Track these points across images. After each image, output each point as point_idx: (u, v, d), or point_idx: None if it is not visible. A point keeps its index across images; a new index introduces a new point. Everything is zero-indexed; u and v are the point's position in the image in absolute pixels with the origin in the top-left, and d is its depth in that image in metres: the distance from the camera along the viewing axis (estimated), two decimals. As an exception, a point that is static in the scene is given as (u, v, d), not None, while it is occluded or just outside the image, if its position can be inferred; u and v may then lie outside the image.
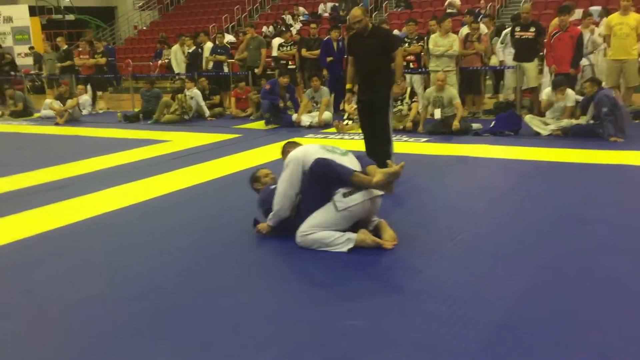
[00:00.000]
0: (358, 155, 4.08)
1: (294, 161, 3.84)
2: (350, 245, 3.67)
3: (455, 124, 7.74)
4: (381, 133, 5.58)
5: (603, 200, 4.64)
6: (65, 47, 14.13)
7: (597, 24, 9.82)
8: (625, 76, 8.40)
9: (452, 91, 8.25)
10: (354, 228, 3.81)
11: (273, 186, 4.16)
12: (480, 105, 9.77)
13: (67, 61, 13.62)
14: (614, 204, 4.52)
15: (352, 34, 5.74)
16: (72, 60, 13.67)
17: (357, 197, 3.70)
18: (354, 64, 5.72)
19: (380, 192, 3.81)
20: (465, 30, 10.06)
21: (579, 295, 2.99)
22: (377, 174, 3.68)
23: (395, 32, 12.49)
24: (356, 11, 5.48)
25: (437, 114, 8.11)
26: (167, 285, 3.35)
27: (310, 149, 3.92)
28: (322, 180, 3.72)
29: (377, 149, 5.46)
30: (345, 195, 3.69)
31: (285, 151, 4.26)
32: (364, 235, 3.72)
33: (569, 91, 7.63)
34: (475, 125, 7.94)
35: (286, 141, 4.48)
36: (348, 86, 5.99)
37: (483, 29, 9.75)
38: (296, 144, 4.26)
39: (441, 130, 7.89)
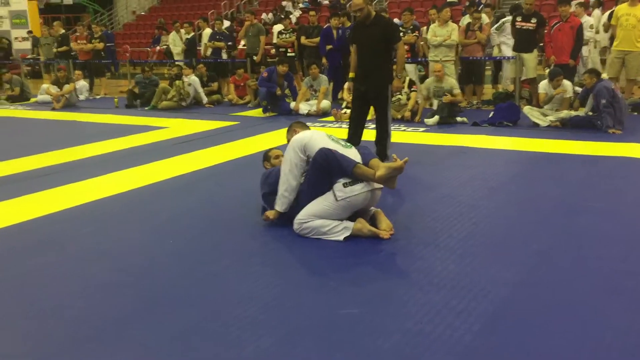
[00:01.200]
0: (359, 147, 4.07)
1: (295, 143, 3.87)
2: (347, 234, 3.68)
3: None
4: (381, 126, 5.57)
5: (600, 192, 4.65)
6: (62, 31, 14.04)
7: (590, 14, 9.79)
8: (627, 68, 8.38)
9: (452, 81, 8.28)
10: (351, 217, 3.82)
11: (275, 170, 4.16)
12: (480, 96, 9.76)
13: (63, 46, 13.54)
14: (611, 196, 4.53)
15: (356, 22, 5.65)
16: (68, 46, 13.60)
17: (357, 188, 3.69)
18: (356, 53, 5.63)
19: (380, 185, 3.81)
20: (466, 19, 10.02)
21: (572, 286, 3.01)
22: (381, 168, 3.66)
23: (395, 20, 12.43)
24: None
25: (435, 105, 8.13)
26: (163, 272, 3.36)
27: (315, 134, 3.92)
28: (324, 170, 3.71)
29: (359, 139, 5.50)
30: (345, 185, 3.68)
31: (291, 129, 4.31)
32: (361, 225, 3.72)
33: (566, 82, 7.62)
34: (459, 119, 7.89)
35: (295, 121, 4.50)
36: (351, 75, 5.77)
37: (484, 18, 9.71)
38: (304, 125, 4.31)
39: (447, 121, 7.83)
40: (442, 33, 9.10)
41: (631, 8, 8.22)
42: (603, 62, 9.57)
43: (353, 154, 3.85)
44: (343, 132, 7.44)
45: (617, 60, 8.37)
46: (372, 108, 5.66)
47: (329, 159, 3.67)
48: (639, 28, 8.16)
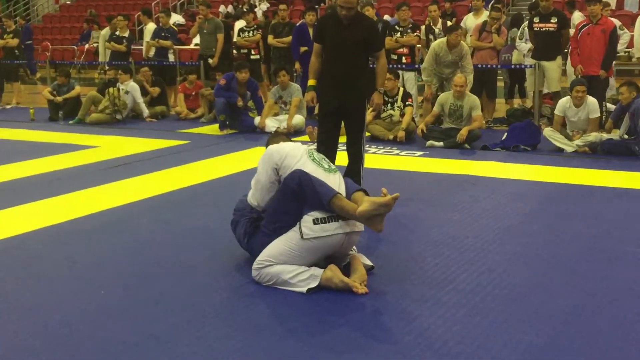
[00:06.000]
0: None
1: (268, 157, 3.91)
2: (313, 285, 3.65)
3: (462, 134, 7.71)
4: (354, 150, 5.64)
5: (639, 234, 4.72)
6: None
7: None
8: None
9: (475, 100, 8.09)
10: (321, 263, 3.82)
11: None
12: (492, 112, 9.79)
13: None
14: (652, 240, 4.61)
15: (325, 16, 5.60)
16: None
17: (331, 228, 3.69)
18: (319, 55, 5.61)
19: (361, 227, 3.81)
20: (469, 18, 10.13)
21: (608, 352, 3.02)
22: (364, 202, 3.64)
23: (386, 17, 12.62)
24: None
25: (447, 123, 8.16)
26: (89, 334, 3.29)
27: (294, 151, 3.92)
28: (296, 196, 3.71)
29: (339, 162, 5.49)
30: (316, 222, 3.67)
31: (272, 140, 4.32)
32: (332, 273, 3.68)
33: (590, 98, 7.59)
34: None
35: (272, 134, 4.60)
36: (311, 82, 5.70)
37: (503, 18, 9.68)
38: (283, 137, 4.34)
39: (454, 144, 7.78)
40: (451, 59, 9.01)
41: None
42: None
43: (335, 181, 3.85)
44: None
45: None
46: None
47: (303, 184, 3.67)
48: None
